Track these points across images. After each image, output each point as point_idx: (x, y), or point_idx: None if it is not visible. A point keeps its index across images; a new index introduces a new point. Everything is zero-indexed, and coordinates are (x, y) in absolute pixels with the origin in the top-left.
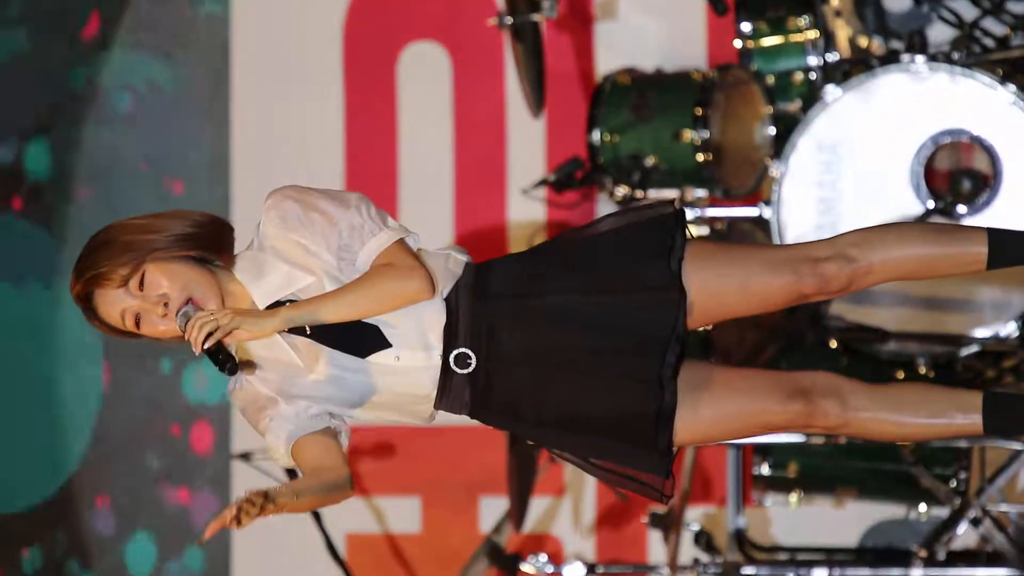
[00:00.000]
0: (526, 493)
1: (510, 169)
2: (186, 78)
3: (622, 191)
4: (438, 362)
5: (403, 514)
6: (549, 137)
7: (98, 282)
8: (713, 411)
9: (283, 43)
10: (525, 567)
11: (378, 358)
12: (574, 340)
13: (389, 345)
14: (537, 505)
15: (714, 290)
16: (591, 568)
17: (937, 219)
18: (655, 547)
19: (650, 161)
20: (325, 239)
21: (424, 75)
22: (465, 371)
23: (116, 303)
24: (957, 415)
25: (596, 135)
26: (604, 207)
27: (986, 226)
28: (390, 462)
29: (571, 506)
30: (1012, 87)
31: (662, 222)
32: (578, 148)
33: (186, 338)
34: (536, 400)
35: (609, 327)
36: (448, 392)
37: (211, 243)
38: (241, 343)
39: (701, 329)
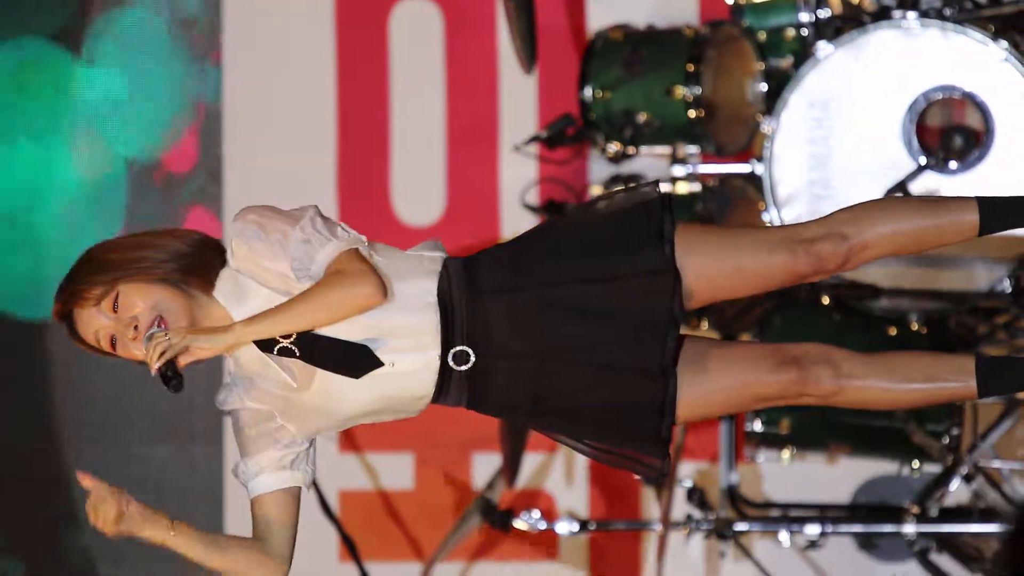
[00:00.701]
0: (519, 449)
1: (502, 125)
2: (177, 39)
3: (614, 147)
4: (436, 362)
5: (396, 471)
6: (541, 93)
7: (74, 302)
8: (708, 387)
9: (275, 0)
10: (518, 523)
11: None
12: (572, 332)
13: (381, 363)
14: (530, 461)
15: (708, 274)
16: (584, 524)
17: (930, 174)
18: (648, 503)
19: (642, 117)
20: (286, 255)
21: (416, 32)
22: (464, 368)
23: (90, 323)
24: (951, 379)
25: (588, 91)
26: (596, 163)
27: (975, 195)
28: None
29: (564, 462)
30: (1004, 43)
31: (649, 207)
32: (570, 104)
33: (145, 359)
34: (536, 392)
35: (606, 316)
36: (446, 390)
37: (194, 266)
38: (237, 360)
39: None
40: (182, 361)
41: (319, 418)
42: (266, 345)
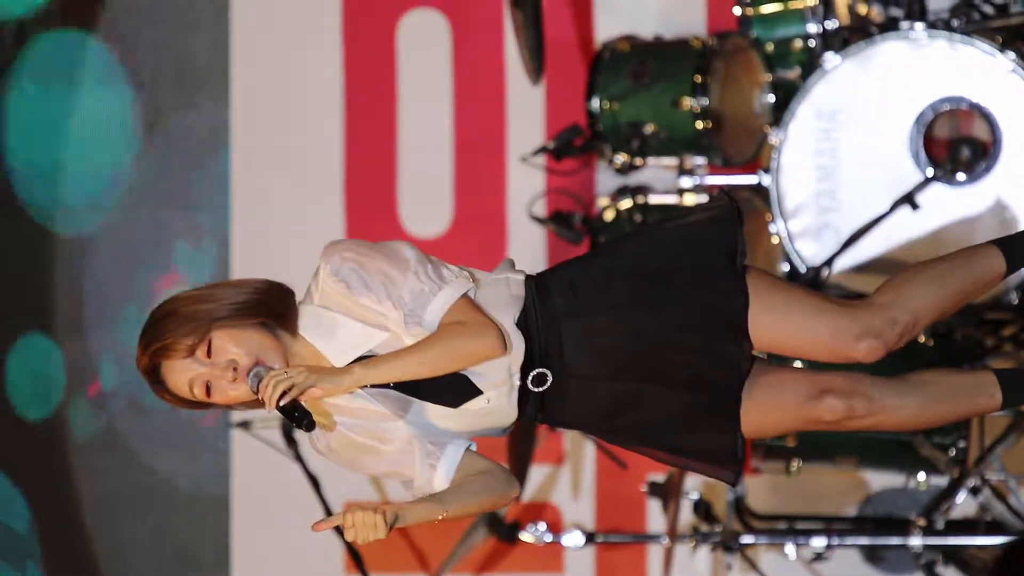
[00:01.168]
0: (525, 462)
1: (509, 136)
2: (185, 48)
3: (621, 158)
4: (517, 385)
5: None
6: (548, 104)
7: (165, 354)
8: (760, 412)
9: (283, 10)
10: (524, 536)
11: (470, 404)
12: (646, 354)
13: (480, 392)
14: (536, 474)
15: (766, 325)
16: (590, 537)
17: (937, 186)
18: (654, 516)
19: (649, 128)
20: (390, 299)
21: (424, 42)
22: (541, 389)
23: (184, 372)
24: (977, 394)
25: (595, 102)
26: (603, 174)
27: (992, 240)
28: None
29: (570, 475)
30: (1011, 54)
31: (722, 222)
32: (577, 115)
33: (260, 397)
34: (608, 413)
35: (680, 339)
36: (524, 412)
37: (273, 308)
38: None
39: None
40: (302, 400)
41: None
42: None
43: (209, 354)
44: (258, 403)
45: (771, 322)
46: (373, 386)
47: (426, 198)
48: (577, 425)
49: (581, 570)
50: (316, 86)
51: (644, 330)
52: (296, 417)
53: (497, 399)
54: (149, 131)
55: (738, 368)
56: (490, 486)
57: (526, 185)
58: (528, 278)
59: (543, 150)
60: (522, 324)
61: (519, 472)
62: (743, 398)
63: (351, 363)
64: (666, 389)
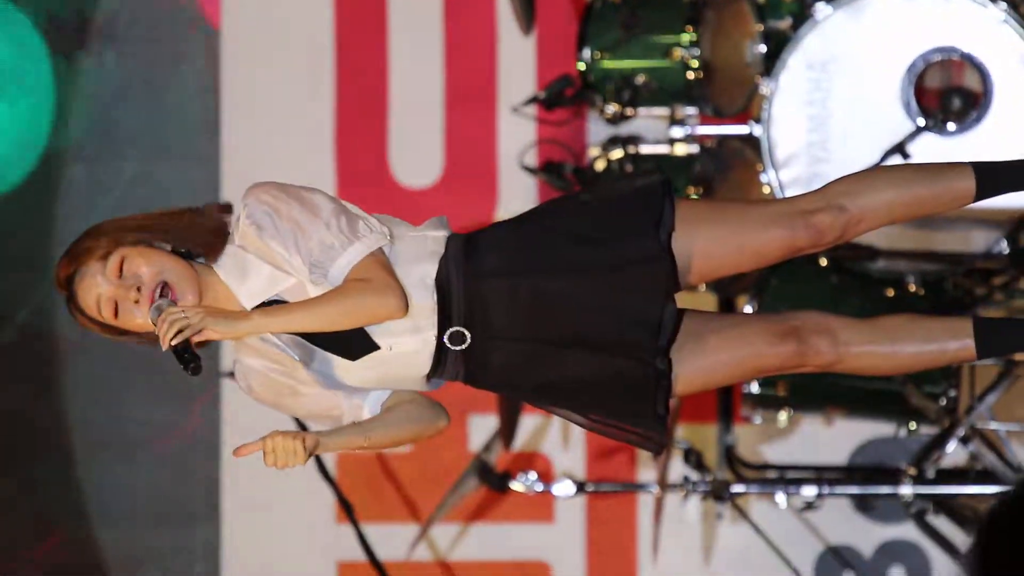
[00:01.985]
0: (515, 411)
1: (500, 87)
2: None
3: (612, 109)
4: (433, 342)
5: None
6: (539, 55)
7: (77, 260)
8: (707, 361)
9: None
10: (515, 485)
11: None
12: (569, 318)
13: (377, 347)
14: (527, 423)
15: (708, 252)
16: (581, 486)
17: (928, 136)
18: (644, 465)
19: (640, 79)
20: (297, 248)
21: None
22: (460, 347)
23: (93, 288)
24: (949, 341)
25: (586, 53)
26: (594, 125)
27: (970, 161)
28: None
29: (561, 425)
30: (1002, 4)
31: (649, 193)
32: (568, 66)
33: (156, 332)
34: (532, 373)
35: (602, 303)
36: (442, 367)
37: (196, 239)
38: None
39: None
40: (194, 340)
41: (321, 386)
42: None
43: (121, 272)
44: None
45: (708, 240)
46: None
47: (417, 149)
48: (501, 388)
49: (572, 519)
50: (307, 37)
51: (568, 292)
52: (184, 359)
53: (401, 347)
54: (143, 86)
55: (662, 330)
56: (416, 415)
57: (517, 135)
58: (452, 237)
59: (534, 100)
60: (439, 280)
61: (509, 421)
62: (690, 351)
63: (254, 309)
64: (590, 353)
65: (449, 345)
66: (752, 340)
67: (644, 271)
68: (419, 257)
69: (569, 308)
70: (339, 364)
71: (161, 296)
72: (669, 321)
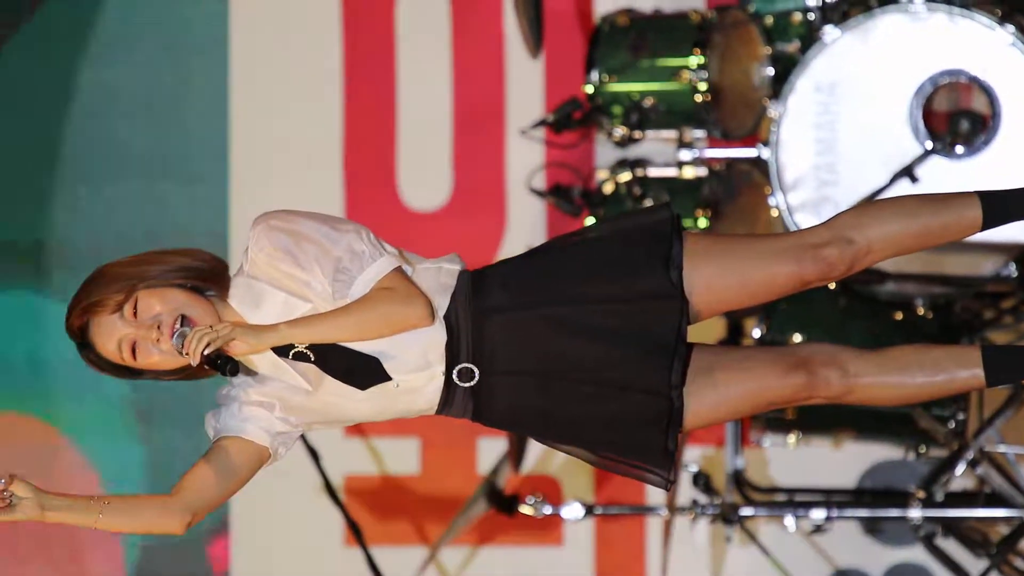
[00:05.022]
0: (524, 435)
1: (509, 110)
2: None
3: (620, 131)
4: (440, 378)
5: (402, 455)
6: (548, 78)
7: (92, 311)
8: (717, 397)
9: None
10: (524, 508)
11: (379, 388)
12: (578, 352)
13: (389, 378)
14: (536, 446)
15: (715, 288)
16: (589, 509)
17: (936, 159)
18: (653, 488)
19: (648, 102)
20: (320, 267)
21: (423, 15)
22: (468, 384)
23: (112, 333)
24: (958, 371)
25: (595, 76)
26: (603, 147)
27: (976, 190)
28: None
29: None
30: (1011, 27)
31: (658, 228)
32: (576, 89)
33: (184, 352)
34: (540, 409)
35: (611, 337)
36: (450, 404)
37: (204, 275)
38: (249, 362)
39: None
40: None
41: (320, 419)
42: (282, 350)
43: (136, 313)
44: (183, 372)
45: (715, 275)
46: (295, 357)
47: (425, 172)
48: (508, 426)
49: (580, 542)
50: (315, 59)
51: (578, 325)
52: (219, 364)
53: (409, 383)
54: (149, 104)
55: (675, 365)
56: (160, 509)
57: (525, 158)
58: (463, 272)
59: (542, 123)
60: (448, 318)
61: (518, 444)
62: (700, 386)
63: (279, 323)
64: (599, 387)
65: (458, 382)
66: (762, 373)
67: (656, 306)
68: (432, 290)
69: (576, 339)
70: (347, 397)
71: (182, 326)
72: (682, 356)
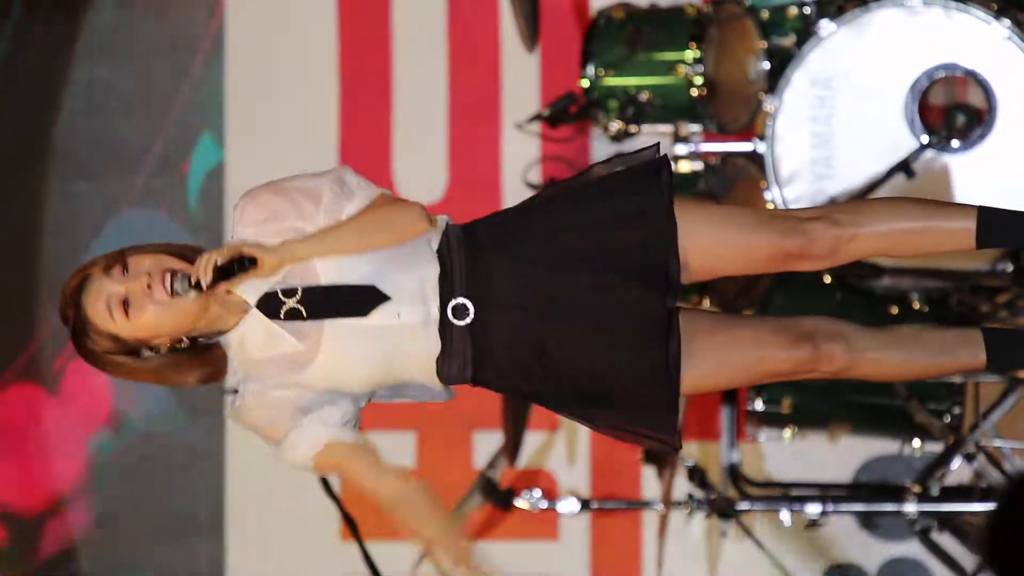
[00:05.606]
0: (520, 428)
1: (504, 104)
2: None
3: (616, 126)
4: (436, 315)
5: (398, 450)
6: (543, 72)
7: (83, 275)
8: (718, 361)
9: None
10: (519, 502)
11: (380, 319)
12: (570, 277)
13: (388, 298)
14: (531, 440)
15: (698, 247)
16: (585, 504)
17: (932, 153)
18: (649, 483)
19: (644, 96)
20: (311, 203)
21: (419, 9)
22: (463, 322)
23: (101, 292)
24: (961, 351)
25: (590, 70)
26: (598, 142)
27: (979, 206)
28: None
29: (565, 441)
30: (1007, 21)
31: (648, 165)
32: (572, 83)
33: (193, 282)
34: (538, 345)
35: (604, 262)
36: (450, 348)
37: (193, 249)
38: (243, 343)
39: None
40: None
41: (331, 385)
42: (272, 311)
43: (125, 272)
44: (175, 356)
45: (700, 233)
46: (287, 316)
47: (421, 165)
48: (511, 373)
49: (576, 537)
50: (311, 53)
51: (566, 254)
52: (235, 266)
53: (409, 316)
54: (142, 101)
55: (670, 272)
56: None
57: (521, 152)
58: (451, 224)
59: (538, 117)
60: (440, 252)
61: (514, 438)
62: (702, 349)
63: (269, 298)
64: (595, 313)
65: (453, 320)
66: (765, 342)
67: (647, 225)
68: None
69: (569, 266)
70: (347, 350)
71: (172, 279)
72: (675, 268)
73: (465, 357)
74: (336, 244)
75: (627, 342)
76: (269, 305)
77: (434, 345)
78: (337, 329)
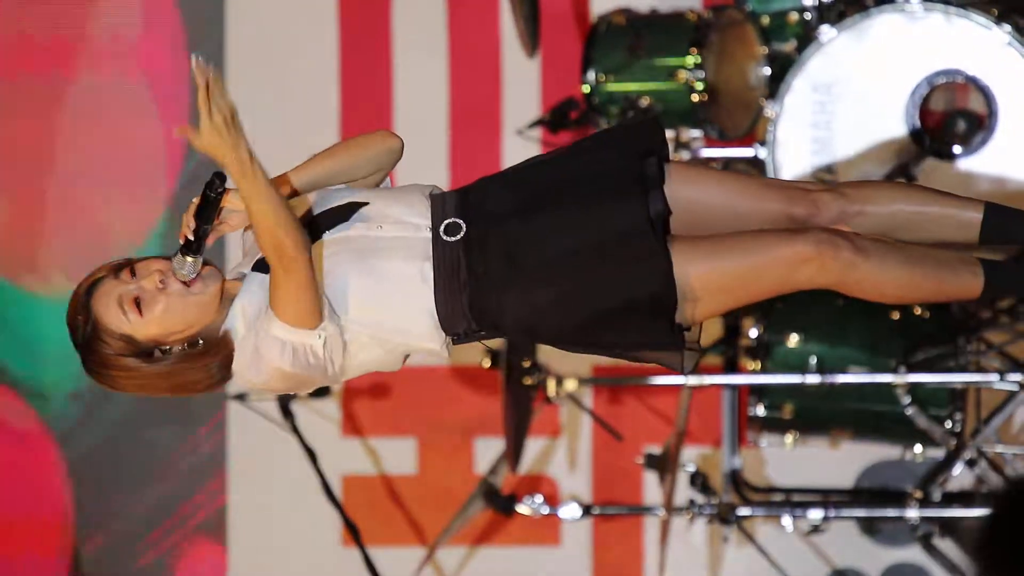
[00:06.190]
0: (521, 434)
1: (505, 109)
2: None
3: None
4: (427, 234)
5: (399, 456)
6: (544, 77)
7: (92, 279)
8: (722, 265)
9: None
10: (521, 508)
11: (361, 230)
12: (558, 184)
13: (366, 203)
14: (532, 446)
15: (700, 209)
16: (586, 509)
17: (933, 159)
18: (650, 488)
19: (645, 101)
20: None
21: (419, 14)
22: (456, 238)
23: (111, 293)
24: (963, 270)
25: (591, 75)
26: None
27: (987, 202)
28: (386, 404)
29: (566, 447)
30: (1007, 27)
31: (640, 125)
32: (573, 88)
33: (182, 240)
34: (531, 254)
35: (593, 171)
36: (444, 265)
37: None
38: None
39: None
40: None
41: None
42: (266, 268)
43: (133, 274)
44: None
45: (700, 195)
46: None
47: (422, 171)
48: (505, 295)
49: (577, 542)
50: (311, 57)
51: (560, 163)
52: (211, 196)
53: (391, 231)
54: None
55: (648, 164)
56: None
57: (522, 158)
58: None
59: (539, 123)
60: (432, 194)
61: (515, 444)
62: (706, 251)
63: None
64: (579, 205)
65: (444, 236)
66: (771, 239)
67: (637, 158)
68: (411, 187)
69: (557, 177)
70: (339, 274)
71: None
72: (654, 167)
73: (460, 281)
74: (324, 167)
75: (615, 217)
76: (264, 267)
77: (424, 260)
78: (324, 249)
